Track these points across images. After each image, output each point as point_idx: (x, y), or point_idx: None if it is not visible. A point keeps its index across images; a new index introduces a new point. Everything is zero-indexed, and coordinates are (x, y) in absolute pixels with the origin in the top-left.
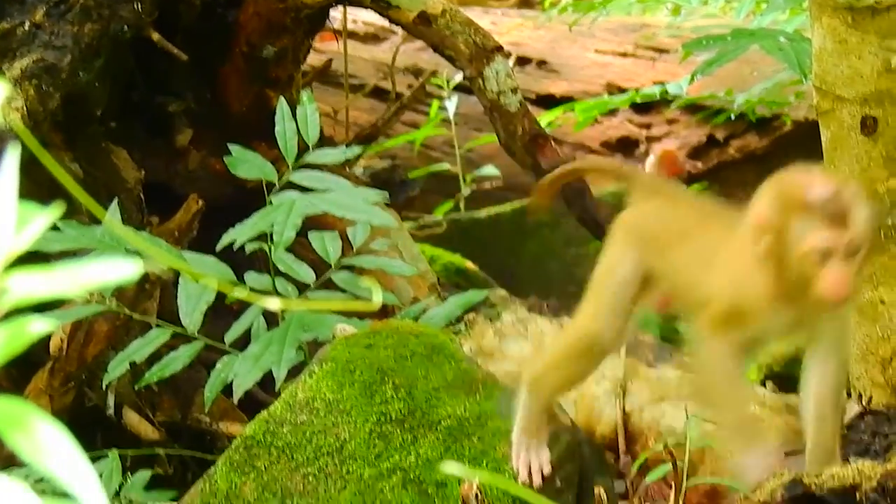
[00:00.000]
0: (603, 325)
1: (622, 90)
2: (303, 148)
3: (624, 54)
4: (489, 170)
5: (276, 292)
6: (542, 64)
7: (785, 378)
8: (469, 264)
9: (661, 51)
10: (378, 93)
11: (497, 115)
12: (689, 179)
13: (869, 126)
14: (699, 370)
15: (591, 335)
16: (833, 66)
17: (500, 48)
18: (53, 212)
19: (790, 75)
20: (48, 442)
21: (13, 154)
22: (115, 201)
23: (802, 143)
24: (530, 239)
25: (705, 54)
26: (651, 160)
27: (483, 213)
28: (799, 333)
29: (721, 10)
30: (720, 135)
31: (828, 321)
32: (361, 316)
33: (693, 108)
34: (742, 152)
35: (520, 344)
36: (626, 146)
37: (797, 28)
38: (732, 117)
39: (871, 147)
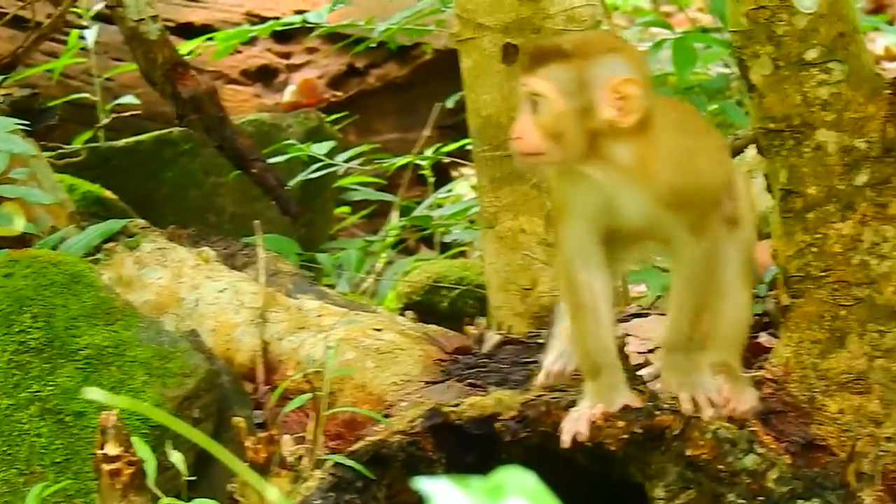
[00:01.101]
0: None
1: (263, 19)
2: None
3: None
4: (129, 99)
5: None
6: None
7: (425, 306)
8: (108, 193)
9: None
10: (17, 21)
11: (137, 44)
12: (330, 108)
13: (510, 54)
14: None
15: None
16: None
17: None
18: None
19: (431, 3)
20: None
21: None
22: None
23: (442, 71)
24: (169, 168)
25: None
26: (291, 89)
27: (122, 142)
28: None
29: None
30: (360, 64)
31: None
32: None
33: (334, 37)
34: (382, 81)
35: (159, 273)
36: (265, 75)
37: None
38: (374, 46)
39: (512, 76)
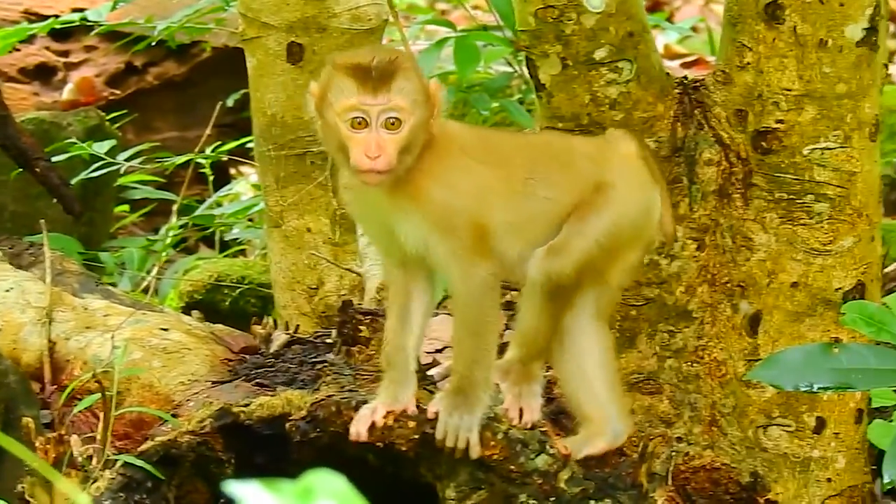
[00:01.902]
0: None
1: (41, 17)
2: None
3: None
4: None
5: None
6: None
7: (207, 305)
8: None
9: None
10: None
11: None
12: (108, 106)
13: (295, 53)
14: None
15: None
16: None
17: None
18: None
19: (211, 2)
20: None
21: None
22: None
23: (221, 69)
24: None
25: None
26: (69, 87)
27: None
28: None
29: None
30: (139, 62)
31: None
32: None
33: (112, 35)
34: (160, 79)
35: None
36: (43, 73)
37: None
38: (153, 44)
39: (298, 74)
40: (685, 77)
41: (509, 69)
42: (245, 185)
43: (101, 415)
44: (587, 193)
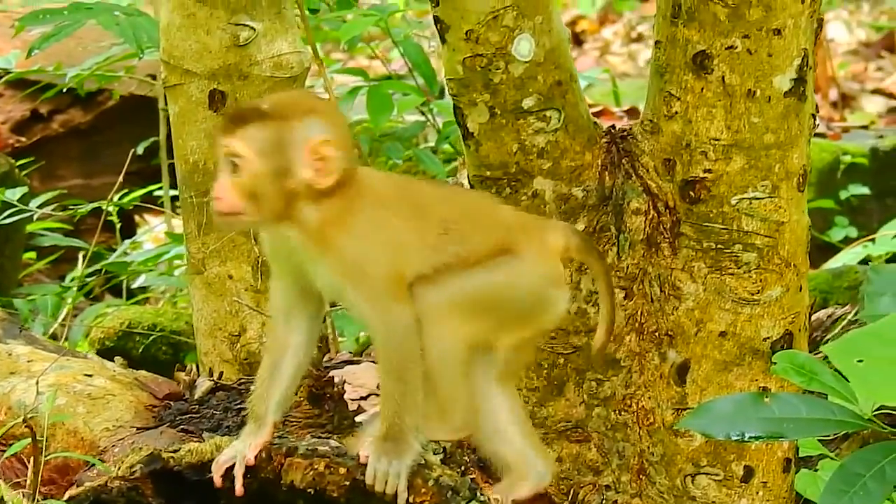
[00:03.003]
0: None
1: None
2: None
3: None
4: None
5: None
6: None
7: (118, 352)
8: None
9: None
10: None
11: None
12: (13, 154)
13: (217, 101)
14: None
15: None
16: (182, 41)
17: None
18: None
19: (123, 49)
20: None
21: None
22: None
23: (127, 117)
24: None
25: (41, 28)
26: None
27: None
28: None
29: None
30: (44, 109)
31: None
32: None
33: (19, 83)
34: (66, 126)
35: None
36: None
37: (132, 2)
38: (64, 91)
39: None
40: (613, 126)
41: (421, 118)
42: (149, 233)
43: (29, 460)
44: (493, 254)
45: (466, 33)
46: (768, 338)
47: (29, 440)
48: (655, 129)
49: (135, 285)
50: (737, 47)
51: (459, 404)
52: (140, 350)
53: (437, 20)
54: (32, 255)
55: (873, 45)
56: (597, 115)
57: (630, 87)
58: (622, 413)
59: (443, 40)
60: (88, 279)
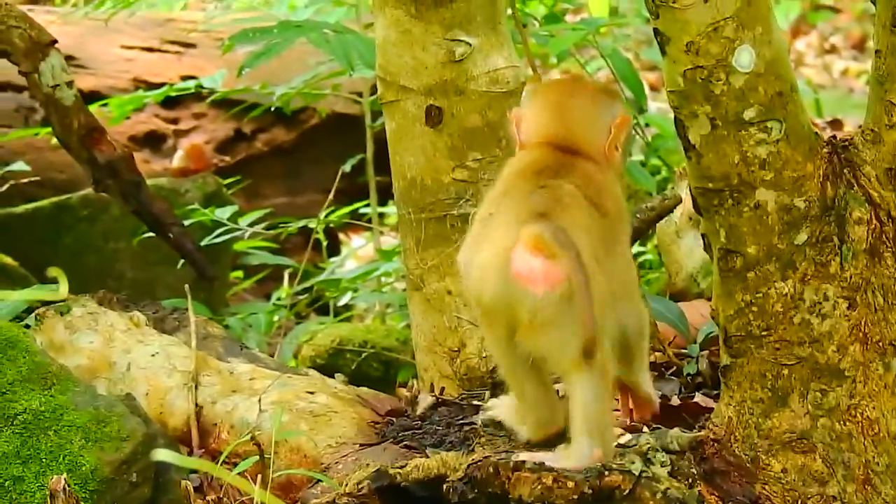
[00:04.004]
0: None
1: (149, 85)
2: None
3: (150, 49)
4: (19, 166)
5: None
6: (69, 59)
7: (329, 370)
8: (8, 260)
9: (188, 45)
10: None
11: (53, 109)
12: (219, 173)
13: (434, 116)
14: None
15: None
16: (397, 57)
17: (54, 42)
18: None
19: (329, 67)
20: None
21: None
22: None
23: (329, 135)
24: (68, 233)
25: (249, 47)
26: (179, 154)
27: (20, 208)
28: None
29: (263, 3)
30: (247, 129)
31: None
32: None
33: (222, 103)
34: (270, 145)
35: (90, 337)
36: (153, 141)
37: (339, 20)
38: (272, 109)
39: (437, 137)
40: (833, 136)
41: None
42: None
43: (258, 478)
44: None
45: (687, 45)
46: None
47: (255, 458)
48: (877, 138)
49: (340, 303)
50: None
51: (527, 404)
52: (352, 367)
53: (657, 32)
54: (239, 273)
55: None
56: None
57: (827, 98)
58: (847, 423)
59: (663, 52)
60: (299, 297)
